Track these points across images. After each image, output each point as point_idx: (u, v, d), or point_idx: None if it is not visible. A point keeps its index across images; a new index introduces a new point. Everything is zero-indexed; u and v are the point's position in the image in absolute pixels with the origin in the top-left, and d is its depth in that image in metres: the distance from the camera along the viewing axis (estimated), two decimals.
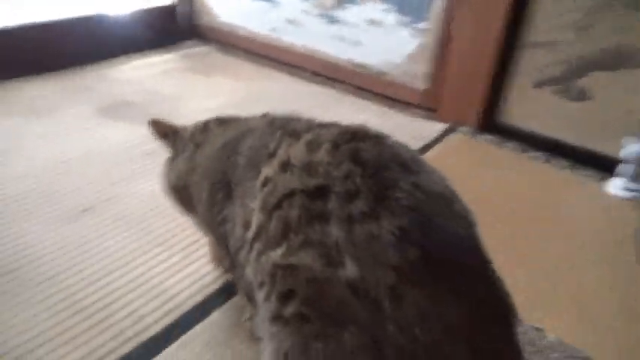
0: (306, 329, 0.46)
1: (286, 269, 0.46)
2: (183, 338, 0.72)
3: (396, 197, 0.44)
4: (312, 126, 0.55)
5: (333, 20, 1.65)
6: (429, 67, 1.49)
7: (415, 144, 1.35)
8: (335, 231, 0.44)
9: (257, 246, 0.50)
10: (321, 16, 1.67)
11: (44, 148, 1.20)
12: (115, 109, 1.44)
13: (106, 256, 0.88)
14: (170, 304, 0.79)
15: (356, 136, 0.50)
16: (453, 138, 1.41)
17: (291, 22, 1.76)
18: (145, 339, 0.72)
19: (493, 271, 0.47)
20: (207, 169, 0.63)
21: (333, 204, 0.45)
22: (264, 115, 0.68)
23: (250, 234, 0.51)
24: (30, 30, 1.60)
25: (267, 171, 0.51)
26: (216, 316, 0.77)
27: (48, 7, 1.69)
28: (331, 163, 0.47)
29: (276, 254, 0.47)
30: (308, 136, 0.51)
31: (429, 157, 1.28)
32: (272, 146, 0.53)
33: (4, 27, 1.54)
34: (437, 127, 1.46)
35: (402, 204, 0.43)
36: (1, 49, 1.53)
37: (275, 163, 0.50)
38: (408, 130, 1.44)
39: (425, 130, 1.44)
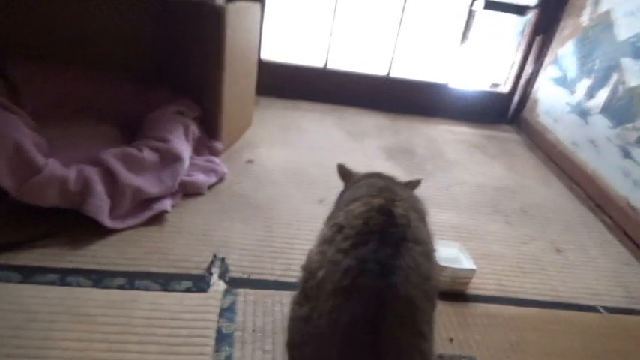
0: (299, 296, 0.77)
1: (308, 256, 0.78)
2: None
3: (361, 251, 0.69)
4: (381, 193, 0.82)
5: (627, 155, 1.59)
6: None
7: None
8: (329, 251, 0.73)
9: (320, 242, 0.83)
10: (619, 147, 1.63)
11: (330, 158, 1.71)
12: (398, 152, 1.88)
13: (312, 231, 1.33)
14: None
15: (383, 211, 0.75)
16: None
17: (591, 141, 1.78)
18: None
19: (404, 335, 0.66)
20: (342, 201, 0.98)
21: (338, 237, 0.74)
22: (381, 178, 0.96)
23: (322, 235, 0.85)
24: (377, 80, 2.24)
25: (345, 209, 0.82)
26: None
27: (407, 67, 2.27)
28: (357, 217, 0.75)
29: (315, 250, 0.80)
30: (368, 199, 0.79)
31: None
32: (356, 197, 0.84)
33: (351, 71, 2.21)
34: None
35: (359, 255, 0.69)
36: (355, 85, 2.22)
37: (348, 207, 0.82)
38: None
39: None
